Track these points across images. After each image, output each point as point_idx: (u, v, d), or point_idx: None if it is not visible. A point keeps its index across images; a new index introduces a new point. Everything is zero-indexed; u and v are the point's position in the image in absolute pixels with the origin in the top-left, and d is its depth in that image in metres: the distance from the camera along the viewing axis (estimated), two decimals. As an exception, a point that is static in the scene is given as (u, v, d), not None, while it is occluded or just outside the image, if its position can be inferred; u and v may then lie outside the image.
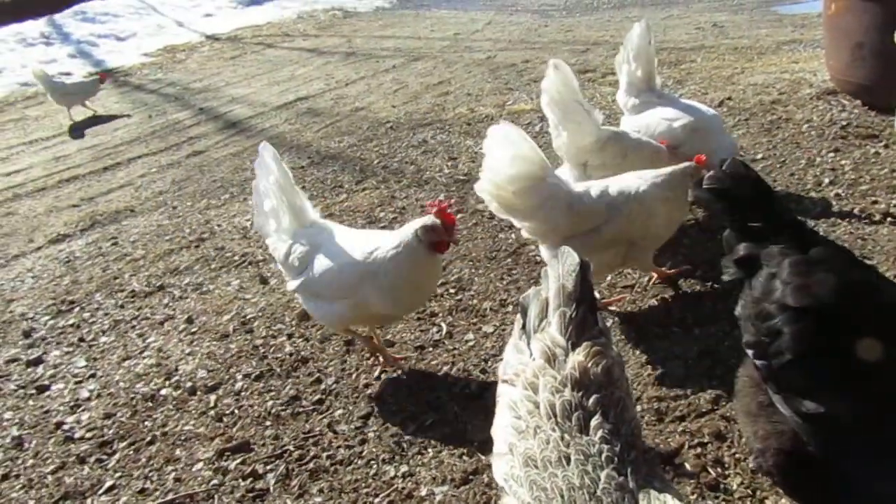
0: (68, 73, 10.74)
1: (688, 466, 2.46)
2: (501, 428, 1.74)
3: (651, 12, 12.20)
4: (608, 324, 3.34)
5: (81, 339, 3.91)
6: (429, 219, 2.85)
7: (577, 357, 1.73)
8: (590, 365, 1.71)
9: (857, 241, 3.70)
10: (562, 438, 1.57)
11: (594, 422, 1.61)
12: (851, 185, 4.30)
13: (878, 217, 3.88)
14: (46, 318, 4.20)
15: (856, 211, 3.99)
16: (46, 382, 3.57)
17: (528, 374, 1.76)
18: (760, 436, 1.88)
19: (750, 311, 1.80)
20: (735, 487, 2.36)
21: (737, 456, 2.48)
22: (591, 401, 1.64)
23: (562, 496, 1.47)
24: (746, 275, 1.85)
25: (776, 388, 1.75)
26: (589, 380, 1.68)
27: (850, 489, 1.66)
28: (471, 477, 2.57)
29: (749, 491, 2.34)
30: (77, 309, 4.26)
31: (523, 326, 1.92)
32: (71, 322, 4.12)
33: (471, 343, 3.37)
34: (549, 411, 1.63)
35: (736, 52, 8.00)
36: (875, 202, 4.03)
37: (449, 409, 2.94)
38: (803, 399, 1.67)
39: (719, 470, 2.44)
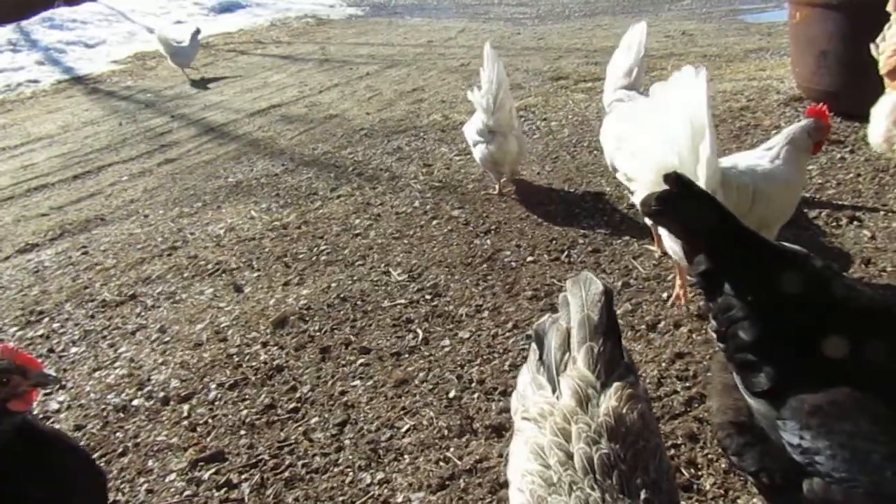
0: (180, 41, 11.07)
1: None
2: (524, 474, 1.60)
3: (621, 21, 12.36)
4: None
5: (51, 350, 3.84)
6: (812, 121, 3.09)
7: (611, 402, 1.61)
8: (625, 411, 1.60)
9: (824, 244, 3.78)
10: (602, 500, 1.45)
11: (637, 481, 1.49)
12: (818, 189, 4.40)
13: (844, 221, 3.97)
14: (14, 328, 4.12)
15: (823, 215, 4.08)
16: (14, 395, 3.49)
17: (558, 417, 1.62)
18: (721, 410, 1.99)
19: (714, 306, 1.88)
20: (708, 488, 2.39)
21: (709, 457, 2.52)
22: (629, 454, 1.53)
23: None
24: (710, 285, 1.90)
25: (735, 368, 1.87)
26: (626, 428, 1.57)
27: (782, 458, 1.77)
28: (447, 483, 2.57)
29: (721, 491, 2.37)
30: (46, 319, 4.18)
31: (540, 358, 1.80)
32: (40, 333, 4.04)
33: (447, 349, 3.37)
34: (585, 466, 1.50)
35: (705, 60, 8.13)
36: (841, 206, 4.13)
37: (425, 416, 2.94)
38: (754, 377, 1.79)
39: (692, 471, 2.47)
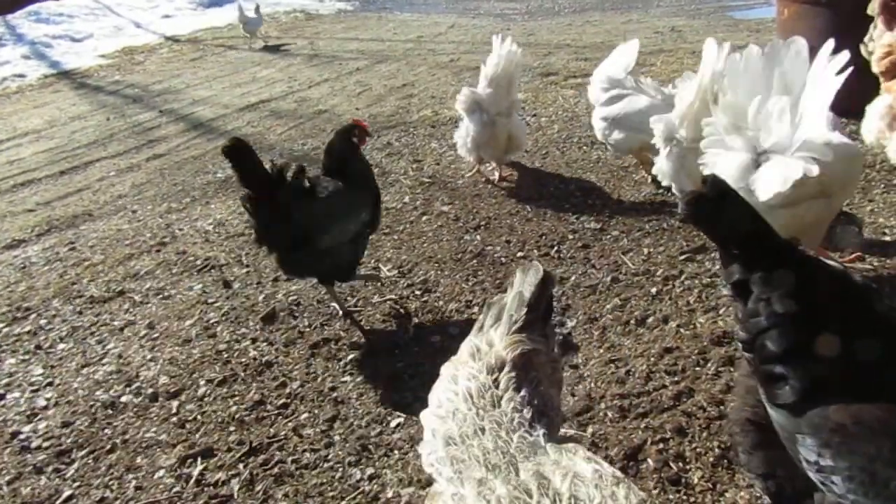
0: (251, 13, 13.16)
1: (650, 462, 2.50)
2: (427, 416, 1.88)
3: (611, 17, 12.39)
4: (571, 323, 3.39)
5: (38, 347, 3.82)
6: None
7: (497, 348, 1.87)
8: (506, 354, 1.83)
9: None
10: (477, 414, 1.70)
11: (506, 396, 1.74)
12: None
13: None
14: (1, 325, 4.08)
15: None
16: (1, 391, 3.47)
17: (451, 368, 1.93)
18: (740, 407, 1.99)
19: (743, 314, 1.84)
20: (696, 481, 2.41)
21: (698, 451, 2.53)
22: (503, 381, 1.77)
23: (478, 461, 1.56)
24: (741, 294, 1.86)
25: (760, 379, 1.83)
26: (503, 364, 1.81)
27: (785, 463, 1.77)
28: (437, 477, 2.57)
29: (710, 485, 2.38)
30: (33, 316, 4.15)
31: (481, 327, 2.03)
32: (27, 329, 4.01)
33: (436, 344, 3.38)
34: (465, 395, 1.78)
35: (694, 56, 8.14)
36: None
37: (415, 411, 2.94)
38: (778, 389, 1.76)
39: (681, 465, 2.49)
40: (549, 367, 1.93)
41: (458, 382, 1.84)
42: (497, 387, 1.76)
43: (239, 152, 3.21)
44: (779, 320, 1.74)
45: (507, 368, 1.80)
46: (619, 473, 1.45)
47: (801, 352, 1.72)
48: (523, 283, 2.00)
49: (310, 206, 3.36)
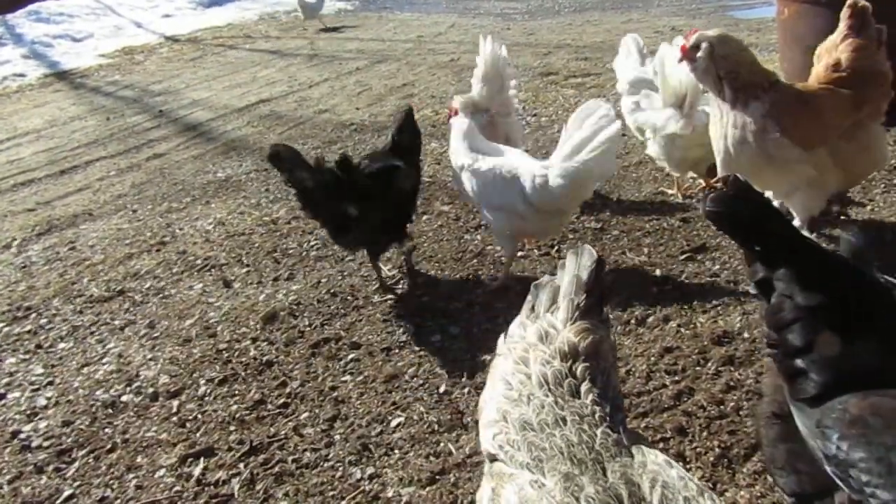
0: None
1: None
2: (492, 398, 1.82)
3: (611, 16, 12.38)
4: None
5: (38, 346, 3.82)
6: None
7: (567, 334, 1.83)
8: (577, 340, 1.81)
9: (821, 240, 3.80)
10: (556, 403, 1.68)
11: (584, 387, 1.72)
12: (806, 184, 4.42)
13: (832, 214, 4.00)
14: (1, 324, 4.09)
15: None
16: (2, 390, 3.47)
17: (520, 349, 1.87)
18: (768, 402, 2.00)
19: (767, 310, 1.87)
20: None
21: (698, 450, 2.54)
22: (579, 370, 1.76)
23: (562, 453, 1.54)
24: (765, 292, 1.88)
25: (783, 374, 1.85)
26: (577, 352, 1.79)
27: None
28: (437, 477, 2.57)
29: (710, 484, 2.38)
30: (34, 315, 4.16)
31: (532, 308, 2.02)
32: (27, 328, 4.01)
33: (437, 344, 3.38)
34: (540, 380, 1.75)
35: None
36: (828, 200, 4.15)
37: (415, 410, 2.95)
38: (801, 384, 1.77)
39: (681, 464, 2.48)
40: (612, 356, 1.93)
41: (529, 365, 1.80)
42: (574, 376, 1.75)
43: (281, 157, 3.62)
44: (801, 314, 1.76)
45: (581, 357, 1.78)
46: (696, 480, 1.46)
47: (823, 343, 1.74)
48: (579, 266, 1.97)
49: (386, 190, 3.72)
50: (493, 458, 1.69)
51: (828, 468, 1.66)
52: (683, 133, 4.09)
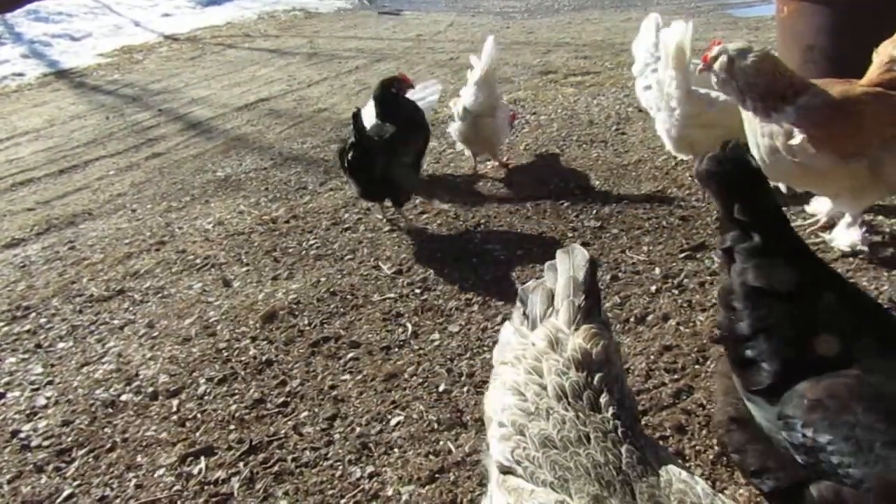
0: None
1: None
2: (504, 408, 1.77)
3: (610, 15, 12.39)
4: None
5: (38, 346, 3.82)
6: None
7: (577, 340, 1.80)
8: (589, 346, 1.78)
9: (810, 238, 3.81)
10: (577, 417, 1.64)
11: (602, 399, 1.68)
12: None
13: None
14: (1, 324, 4.08)
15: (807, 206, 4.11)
16: (1, 390, 3.47)
17: (531, 358, 1.82)
18: (722, 408, 2.01)
19: (719, 292, 1.90)
20: (696, 479, 2.41)
21: (697, 448, 2.54)
22: (595, 380, 1.72)
23: (588, 473, 1.51)
24: (728, 265, 1.90)
25: (734, 366, 1.86)
26: (591, 359, 1.76)
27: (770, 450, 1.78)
28: (437, 476, 2.58)
29: (709, 482, 2.38)
30: (33, 315, 4.15)
31: (524, 314, 1.97)
32: (27, 328, 4.01)
33: (436, 343, 3.38)
34: (558, 393, 1.70)
35: (694, 54, 8.14)
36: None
37: (415, 409, 2.95)
38: (753, 375, 1.78)
39: (680, 462, 2.48)
40: (618, 358, 1.89)
41: (543, 376, 1.75)
42: (591, 387, 1.71)
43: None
44: (751, 298, 1.77)
45: (595, 365, 1.75)
46: (723, 496, 1.45)
47: (773, 332, 1.74)
48: (573, 267, 1.92)
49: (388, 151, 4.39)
50: (507, 471, 1.65)
51: (798, 458, 1.67)
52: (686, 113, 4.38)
